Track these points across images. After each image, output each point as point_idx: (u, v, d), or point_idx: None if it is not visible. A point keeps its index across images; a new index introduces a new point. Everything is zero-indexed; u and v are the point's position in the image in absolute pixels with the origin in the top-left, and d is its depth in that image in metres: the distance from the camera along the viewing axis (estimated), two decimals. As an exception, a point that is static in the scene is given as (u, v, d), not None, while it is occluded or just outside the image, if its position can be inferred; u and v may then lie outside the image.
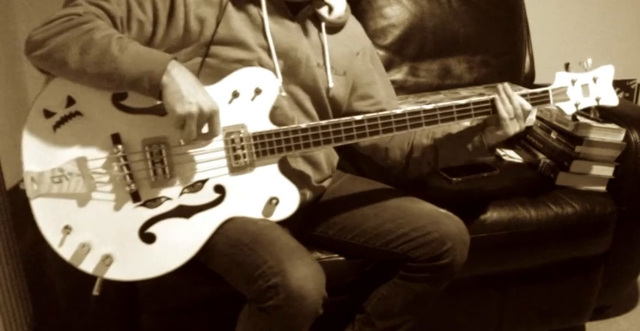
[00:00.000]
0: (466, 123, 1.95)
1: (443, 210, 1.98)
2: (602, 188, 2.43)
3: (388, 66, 2.84)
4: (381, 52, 2.84)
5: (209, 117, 1.64)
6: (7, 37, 2.62)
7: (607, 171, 2.40)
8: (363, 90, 2.11)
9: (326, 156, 2.08)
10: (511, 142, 2.76)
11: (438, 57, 2.94)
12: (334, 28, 2.02)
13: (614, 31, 3.68)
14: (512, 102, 1.87)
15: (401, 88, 2.84)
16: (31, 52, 1.66)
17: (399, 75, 2.88)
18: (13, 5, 2.73)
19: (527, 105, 1.89)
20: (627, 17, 3.67)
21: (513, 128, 1.88)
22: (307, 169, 2.01)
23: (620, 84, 3.70)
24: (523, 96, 1.91)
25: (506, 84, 1.91)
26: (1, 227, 2.21)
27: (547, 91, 1.96)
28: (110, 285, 1.79)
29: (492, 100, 1.88)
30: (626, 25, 3.69)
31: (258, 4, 1.86)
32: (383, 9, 2.86)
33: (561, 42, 3.53)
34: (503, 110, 1.86)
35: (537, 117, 2.61)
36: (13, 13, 2.74)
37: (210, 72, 1.81)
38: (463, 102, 1.88)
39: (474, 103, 1.88)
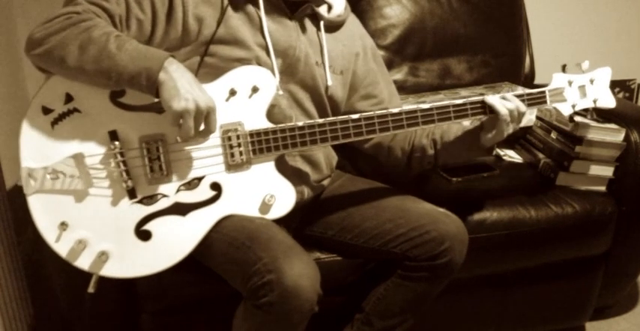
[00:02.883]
0: (466, 123, 1.96)
1: (442, 209, 1.99)
2: (602, 188, 2.42)
3: (388, 66, 2.80)
4: (381, 52, 2.83)
5: (206, 114, 1.64)
6: (7, 37, 2.62)
7: (607, 171, 2.39)
8: (366, 90, 2.12)
9: (325, 156, 2.09)
10: (511, 142, 2.76)
11: (438, 57, 2.94)
12: (333, 26, 2.02)
13: (614, 31, 3.68)
14: (510, 105, 1.88)
15: (401, 88, 2.82)
16: (30, 50, 1.67)
17: (399, 75, 2.89)
18: (13, 5, 2.74)
19: (523, 108, 1.89)
20: (627, 17, 3.67)
21: (507, 130, 1.90)
22: (306, 168, 2.02)
23: (620, 85, 3.70)
24: (519, 96, 1.92)
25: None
26: (1, 227, 2.21)
27: (544, 92, 1.97)
28: (109, 285, 1.79)
29: (483, 101, 1.89)
30: (626, 25, 3.69)
31: (256, 3, 1.86)
32: (383, 9, 2.86)
33: (561, 42, 3.52)
34: (503, 111, 1.87)
35: (537, 117, 2.61)
36: (13, 13, 2.74)
37: (208, 71, 1.82)
38: (459, 101, 1.88)
39: (470, 103, 1.89)
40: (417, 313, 2.03)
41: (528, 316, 2.51)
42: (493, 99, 1.88)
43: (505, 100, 1.88)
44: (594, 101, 2.02)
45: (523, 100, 1.92)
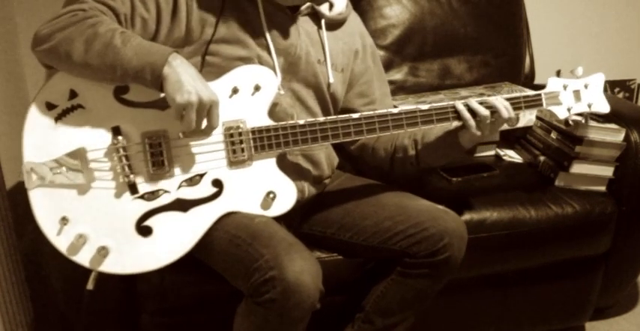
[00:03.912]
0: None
1: (441, 207, 1.99)
2: (602, 188, 2.43)
3: (388, 66, 2.83)
4: (381, 52, 2.82)
5: (208, 108, 1.65)
6: (7, 37, 2.63)
7: (607, 171, 2.40)
8: (360, 88, 2.13)
9: (326, 156, 2.10)
10: (511, 142, 2.76)
11: (438, 57, 2.93)
12: (334, 24, 2.03)
13: (614, 31, 3.67)
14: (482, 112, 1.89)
15: (401, 88, 2.84)
16: (36, 46, 1.70)
17: (399, 75, 2.88)
18: (13, 5, 2.75)
19: (485, 112, 1.88)
20: (627, 17, 3.66)
21: (479, 134, 1.90)
22: (308, 167, 2.03)
23: (620, 84, 3.69)
24: (516, 98, 1.94)
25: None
26: (1, 227, 2.20)
27: (539, 95, 1.99)
28: (109, 284, 1.79)
29: (454, 106, 1.90)
30: (626, 25, 3.68)
31: (256, 3, 1.88)
32: (383, 9, 2.86)
33: (561, 42, 3.52)
34: (467, 117, 1.88)
35: (537, 117, 2.61)
36: (13, 13, 2.75)
37: (211, 70, 1.83)
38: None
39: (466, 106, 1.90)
40: (418, 311, 2.03)
41: (528, 316, 2.51)
42: (458, 105, 1.89)
43: (476, 106, 1.89)
44: (589, 105, 2.04)
45: (519, 102, 1.94)
